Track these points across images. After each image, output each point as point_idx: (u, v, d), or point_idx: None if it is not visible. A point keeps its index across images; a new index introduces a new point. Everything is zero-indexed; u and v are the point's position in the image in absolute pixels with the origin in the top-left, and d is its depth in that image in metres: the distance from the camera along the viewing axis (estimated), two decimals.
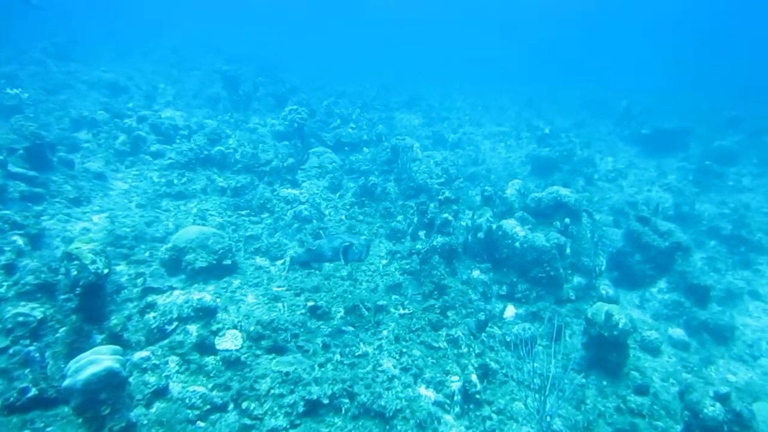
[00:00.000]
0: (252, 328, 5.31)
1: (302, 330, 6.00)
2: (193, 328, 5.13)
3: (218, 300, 5.70)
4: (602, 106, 23.54)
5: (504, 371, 5.93)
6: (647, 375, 6.31)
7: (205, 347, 5.07)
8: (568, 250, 7.81)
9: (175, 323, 5.05)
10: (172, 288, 6.04)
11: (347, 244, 5.81)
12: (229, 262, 7.29)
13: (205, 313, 5.20)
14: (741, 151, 15.70)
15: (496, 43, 54.31)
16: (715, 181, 13.93)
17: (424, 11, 67.07)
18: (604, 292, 7.92)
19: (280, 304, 6.70)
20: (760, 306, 9.08)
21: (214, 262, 7.10)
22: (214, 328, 5.25)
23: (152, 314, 5.35)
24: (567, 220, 7.89)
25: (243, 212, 9.58)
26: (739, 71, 34.82)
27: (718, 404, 4.47)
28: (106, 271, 4.66)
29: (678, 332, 7.63)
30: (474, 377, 5.49)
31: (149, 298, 5.76)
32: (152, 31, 33.18)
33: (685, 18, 58.44)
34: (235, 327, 5.32)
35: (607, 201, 12.55)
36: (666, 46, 52.89)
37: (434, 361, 5.90)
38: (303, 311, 6.52)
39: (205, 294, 5.40)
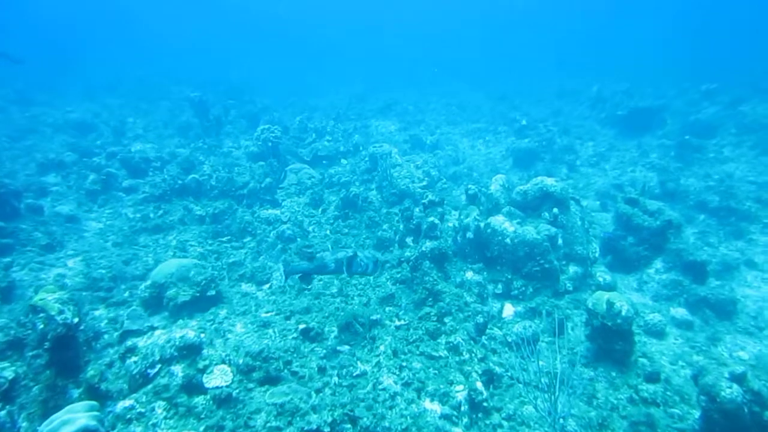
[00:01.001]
0: (241, 361, 5.02)
1: (295, 355, 5.72)
2: (178, 369, 4.81)
3: (203, 335, 5.39)
4: (576, 93, 23.64)
5: (509, 374, 5.70)
6: (656, 360, 6.12)
7: (192, 387, 4.77)
8: (560, 241, 7.64)
9: (158, 366, 4.74)
10: (152, 328, 5.71)
11: (351, 254, 5.61)
12: (213, 292, 7.00)
13: (189, 351, 4.89)
14: (719, 123, 15.76)
15: (464, 42, 54.64)
16: (696, 155, 13.93)
17: (390, 16, 67.55)
18: (601, 279, 7.75)
19: (270, 330, 6.42)
20: (758, 275, 8.97)
21: (198, 294, 6.81)
22: (201, 365, 4.94)
23: (133, 358, 5.03)
24: (555, 210, 7.73)
25: (224, 239, 9.30)
26: (708, 44, 35.38)
27: (735, 385, 4.28)
28: (76, 320, 4.35)
29: (680, 312, 7.47)
30: (479, 384, 5.26)
31: (128, 342, 5.43)
32: (116, 65, 32.76)
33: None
34: (223, 362, 5.02)
35: (592, 186, 12.46)
36: (633, 28, 53.70)
37: (436, 371, 5.64)
38: (295, 335, 6.25)
39: (187, 331, 5.09)
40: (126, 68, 31.48)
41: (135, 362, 4.81)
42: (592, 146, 15.75)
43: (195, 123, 17.41)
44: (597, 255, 8.10)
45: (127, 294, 7.15)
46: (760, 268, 9.17)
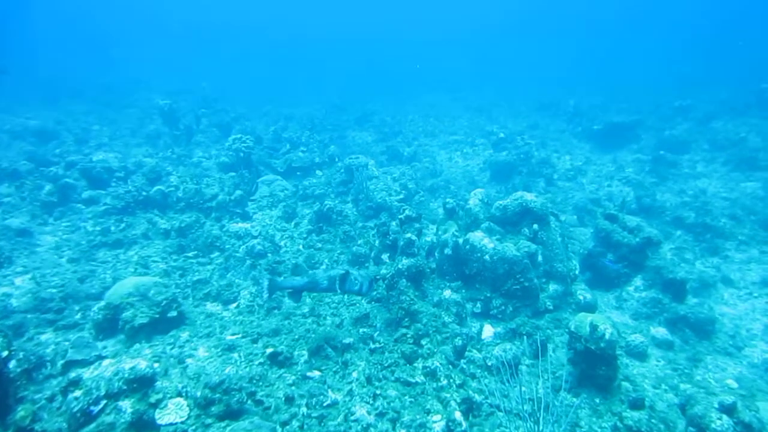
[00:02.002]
0: (199, 393, 4.56)
1: (261, 384, 5.29)
2: (126, 404, 4.33)
3: (156, 365, 4.91)
4: (553, 107, 23.82)
5: (489, 401, 5.37)
6: (638, 384, 5.90)
7: (143, 425, 4.29)
8: (539, 258, 7.41)
9: (104, 401, 4.25)
10: (100, 357, 5.19)
11: (343, 272, 5.43)
12: (174, 313, 6.51)
13: (140, 384, 4.42)
14: (691, 139, 15.99)
15: (444, 54, 55.06)
16: (671, 170, 14.04)
17: (370, 27, 67.75)
18: (581, 298, 7.54)
19: (235, 355, 5.99)
20: (734, 293, 8.93)
21: (157, 316, 6.31)
22: (154, 399, 4.47)
23: (76, 393, 4.52)
24: (535, 226, 7.51)
25: (190, 254, 8.79)
26: (680, 62, 36.32)
27: (725, 416, 4.06)
28: (5, 353, 3.85)
29: (660, 331, 7.30)
30: (458, 415, 4.92)
31: (72, 374, 4.91)
32: (82, 71, 31.71)
33: (625, 14, 61.16)
34: (179, 394, 4.56)
35: (570, 200, 12.36)
36: (610, 43, 54.96)
37: (412, 399, 5.28)
38: (262, 360, 5.82)
39: (138, 361, 4.61)
40: (93, 75, 30.51)
41: (77, 398, 4.31)
42: (569, 160, 15.76)
43: (164, 132, 16.83)
44: (577, 272, 7.90)
45: (79, 316, 6.60)
46: (735, 285, 9.14)
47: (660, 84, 26.82)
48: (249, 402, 4.80)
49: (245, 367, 5.67)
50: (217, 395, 4.49)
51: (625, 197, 11.14)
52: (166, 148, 15.38)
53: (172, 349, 5.94)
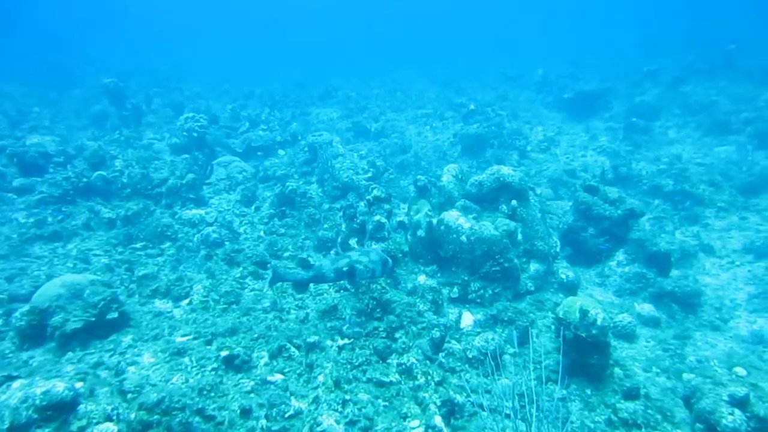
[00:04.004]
0: (134, 416, 3.85)
1: (213, 395, 4.61)
2: None
3: (80, 384, 4.16)
4: (521, 78, 23.32)
5: (471, 399, 4.84)
6: (629, 368, 5.47)
7: None
8: (519, 236, 6.87)
9: None
10: (9, 378, 4.37)
11: (353, 262, 5.23)
12: (115, 315, 5.73)
13: (57, 410, 3.68)
14: (662, 104, 15.72)
15: (407, 30, 53.73)
16: (644, 137, 13.74)
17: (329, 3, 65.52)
18: (563, 277, 7.08)
19: (186, 359, 5.27)
20: (715, 262, 8.66)
21: (93, 319, 5.51)
22: (76, 427, 3.74)
23: None
24: (514, 202, 6.95)
25: (138, 245, 7.93)
26: (647, 26, 36.23)
27: (737, 411, 3.61)
28: None
29: (646, 308, 6.93)
30: (438, 420, 4.37)
31: None
32: (24, 50, 29.35)
33: None
34: (108, 419, 3.84)
35: (544, 172, 11.90)
36: (573, 10, 54.60)
37: (387, 403, 4.70)
38: (215, 365, 5.13)
39: (54, 382, 3.84)
40: (37, 54, 28.28)
41: None
42: (542, 131, 15.29)
43: (112, 113, 15.54)
44: (558, 249, 7.43)
45: (0, 322, 5.74)
46: (717, 254, 8.88)
47: (627, 49, 26.61)
48: (197, 419, 4.12)
49: (196, 374, 4.97)
50: (156, 417, 3.79)
51: (604, 167, 10.73)
52: (113, 130, 14.18)
53: (111, 356, 5.19)
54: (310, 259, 5.55)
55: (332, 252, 7.86)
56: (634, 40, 30.62)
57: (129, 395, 4.24)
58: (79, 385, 4.11)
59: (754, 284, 7.92)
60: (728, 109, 14.39)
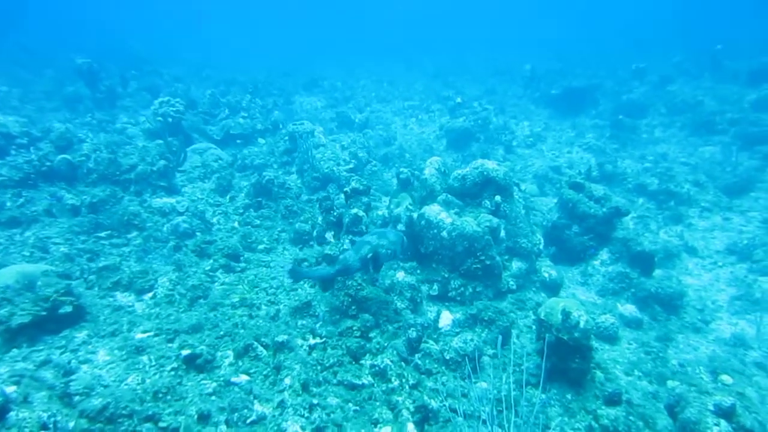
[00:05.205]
0: (73, 424, 3.51)
1: (170, 398, 4.29)
2: None
3: (12, 389, 3.80)
4: (510, 72, 23.09)
5: (447, 403, 4.60)
6: (611, 372, 5.28)
7: None
8: (502, 233, 6.64)
9: None
10: None
11: (374, 247, 5.11)
12: (69, 308, 5.33)
13: None
14: (649, 103, 15.63)
15: (397, 21, 53.16)
16: (630, 135, 13.62)
17: None
18: (546, 275, 6.88)
19: (144, 358, 4.93)
20: (698, 262, 8.56)
21: (44, 313, 5.13)
22: None
23: None
24: (497, 197, 6.70)
25: (102, 234, 7.52)
26: (636, 26, 36.26)
27: (722, 422, 3.41)
28: None
29: (629, 309, 6.76)
30: (410, 427, 4.11)
31: None
32: None
33: None
34: (43, 427, 3.49)
35: (530, 168, 11.70)
36: (564, 7, 54.51)
37: (358, 407, 4.44)
38: (175, 364, 4.80)
39: None
40: (7, 34, 27.20)
41: None
42: (528, 126, 15.09)
43: (86, 95, 14.91)
44: (541, 247, 7.21)
45: None
46: (699, 254, 8.77)
47: (616, 48, 26.57)
48: (147, 426, 3.80)
49: (154, 374, 4.64)
50: (98, 425, 3.46)
51: (590, 164, 10.56)
52: (87, 112, 13.61)
53: (62, 354, 4.83)
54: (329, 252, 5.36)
55: (323, 246, 7.55)
56: (623, 37, 30.63)
57: (76, 398, 3.89)
58: (11, 389, 3.74)
59: (735, 286, 7.83)
60: (713, 109, 14.33)
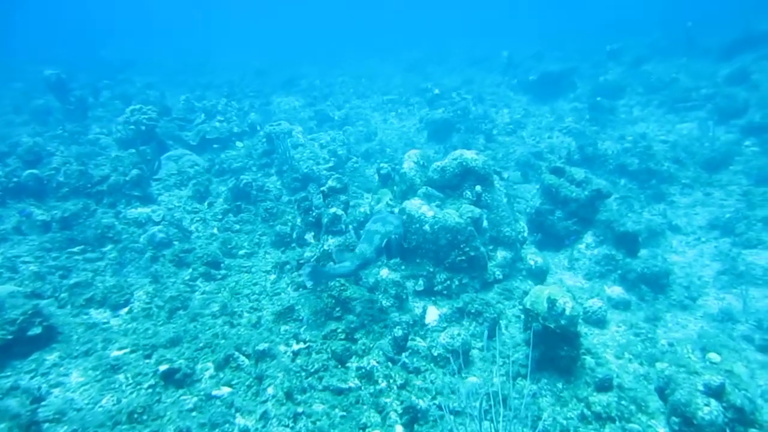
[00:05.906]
0: None
1: (146, 417, 4.13)
2: None
3: None
4: (486, 60, 23.03)
5: (436, 402, 4.49)
6: (601, 356, 5.22)
7: None
8: (485, 223, 6.54)
9: None
10: None
11: (386, 233, 5.21)
12: (38, 330, 5.16)
13: None
14: (625, 83, 15.65)
15: (370, 17, 52.79)
16: (609, 117, 13.61)
17: None
18: (532, 263, 6.80)
19: (121, 376, 4.77)
20: (682, 239, 8.56)
21: (11, 336, 4.95)
22: None
23: None
24: (478, 187, 6.60)
25: (75, 249, 7.29)
26: (610, 5, 36.34)
27: (713, 401, 3.35)
28: None
29: (616, 291, 6.72)
30: (399, 429, 4.00)
31: None
32: None
33: None
34: None
35: (511, 156, 11.62)
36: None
37: (344, 412, 4.31)
38: (153, 381, 4.64)
39: None
40: None
41: None
42: (508, 113, 15.04)
43: (56, 107, 14.54)
44: (526, 234, 7.14)
45: None
46: (683, 231, 8.78)
47: (590, 30, 26.60)
48: None
49: (131, 393, 4.48)
50: None
51: (570, 148, 10.51)
52: (57, 125, 13.24)
53: (31, 378, 4.64)
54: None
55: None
56: (598, 20, 30.71)
57: (45, 425, 3.71)
58: None
59: (720, 260, 7.83)
60: (688, 85, 14.39)
